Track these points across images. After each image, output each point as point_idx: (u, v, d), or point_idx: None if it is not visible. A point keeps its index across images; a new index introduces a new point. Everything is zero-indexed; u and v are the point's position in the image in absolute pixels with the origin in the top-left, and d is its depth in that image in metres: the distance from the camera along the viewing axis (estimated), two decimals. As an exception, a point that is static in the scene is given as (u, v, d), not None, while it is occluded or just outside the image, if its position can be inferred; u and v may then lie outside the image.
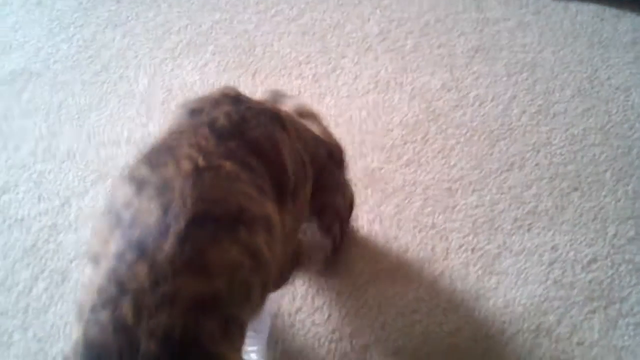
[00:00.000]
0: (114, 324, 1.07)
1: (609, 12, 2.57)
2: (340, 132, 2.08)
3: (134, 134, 2.28)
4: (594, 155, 2.14)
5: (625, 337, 1.77)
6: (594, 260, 1.91)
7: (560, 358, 1.74)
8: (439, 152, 2.17)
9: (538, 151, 2.16)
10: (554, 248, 1.94)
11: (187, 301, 1.09)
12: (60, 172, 2.19)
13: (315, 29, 2.59)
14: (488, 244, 1.95)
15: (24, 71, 2.52)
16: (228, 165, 1.26)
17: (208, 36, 2.60)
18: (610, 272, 1.89)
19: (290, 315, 1.84)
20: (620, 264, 1.90)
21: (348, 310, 1.84)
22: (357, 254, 1.95)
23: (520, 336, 1.78)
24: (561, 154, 2.15)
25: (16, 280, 1.95)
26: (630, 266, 1.89)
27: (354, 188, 1.89)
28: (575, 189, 2.06)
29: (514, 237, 1.97)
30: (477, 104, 2.30)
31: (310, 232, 1.87)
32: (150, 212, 1.15)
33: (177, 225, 1.13)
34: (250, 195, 1.25)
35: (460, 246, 1.95)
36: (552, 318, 1.81)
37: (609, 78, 2.36)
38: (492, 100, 2.30)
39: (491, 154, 2.16)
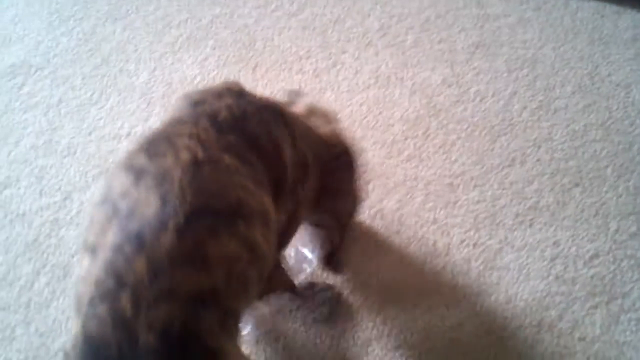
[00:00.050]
0: (113, 317, 1.06)
1: (610, 8, 2.57)
2: (341, 128, 2.10)
3: (135, 128, 2.28)
4: (595, 151, 2.15)
5: (627, 333, 1.78)
6: (595, 255, 1.92)
7: (562, 353, 1.74)
8: (440, 147, 2.17)
9: (539, 147, 2.16)
10: (556, 243, 1.94)
11: (185, 294, 1.09)
12: (61, 167, 2.18)
13: (316, 23, 2.59)
14: (490, 239, 1.96)
15: (24, 65, 2.52)
16: (227, 158, 1.26)
17: (208, 30, 2.59)
18: (612, 268, 1.89)
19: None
20: (622, 260, 1.90)
21: (350, 306, 1.84)
22: (358, 250, 1.95)
23: (522, 331, 1.78)
24: (562, 150, 2.15)
25: (18, 275, 1.95)
26: (632, 262, 1.90)
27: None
28: (577, 185, 2.06)
29: (515, 232, 1.97)
30: (478, 99, 2.30)
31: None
32: (148, 203, 1.14)
33: (176, 218, 1.12)
34: (248, 188, 1.25)
35: (462, 241, 1.96)
36: (554, 313, 1.81)
37: (609, 74, 2.36)
38: (492, 96, 2.30)
39: (492, 150, 2.16)
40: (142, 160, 1.23)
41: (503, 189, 2.06)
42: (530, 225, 1.98)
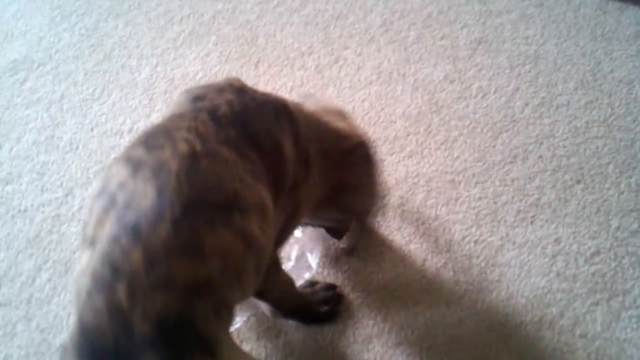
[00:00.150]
0: (109, 308, 1.07)
1: (612, 4, 2.57)
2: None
3: (137, 124, 2.28)
4: (597, 147, 2.14)
5: (628, 330, 1.77)
6: (597, 252, 1.91)
7: (563, 350, 1.74)
8: (442, 143, 2.17)
9: (541, 143, 2.16)
10: (557, 240, 1.94)
11: (181, 284, 1.10)
12: (63, 163, 2.19)
13: (318, 19, 2.58)
14: (491, 236, 1.96)
15: (26, 60, 2.52)
16: (225, 151, 1.26)
17: (210, 26, 2.59)
18: (613, 265, 1.89)
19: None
20: (623, 257, 1.90)
21: (350, 302, 1.84)
22: (359, 247, 1.95)
23: (523, 328, 1.78)
24: (564, 147, 2.15)
25: (19, 271, 1.95)
26: (634, 259, 1.90)
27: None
28: (579, 182, 2.06)
29: (517, 229, 1.97)
30: (480, 95, 2.30)
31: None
32: (145, 194, 1.15)
33: (173, 210, 1.13)
34: (245, 181, 1.25)
35: (463, 238, 1.96)
36: (554, 310, 1.81)
37: (612, 71, 2.36)
38: (495, 92, 2.30)
39: (494, 146, 2.16)
40: (140, 153, 1.24)
41: (505, 186, 2.06)
42: (532, 222, 1.98)
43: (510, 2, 2.60)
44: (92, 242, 1.16)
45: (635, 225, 1.96)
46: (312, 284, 1.85)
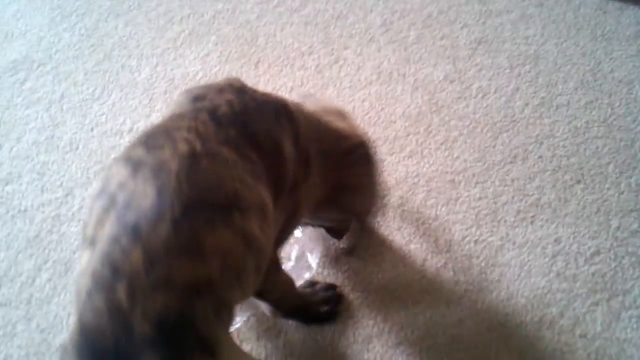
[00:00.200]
0: (109, 308, 1.07)
1: (612, 4, 2.56)
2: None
3: (137, 124, 2.28)
4: (597, 147, 2.14)
5: (628, 330, 1.77)
6: (597, 252, 1.91)
7: (563, 350, 1.74)
8: (442, 143, 2.17)
9: (541, 143, 2.16)
10: (557, 240, 1.94)
11: (181, 284, 1.10)
12: (63, 163, 2.19)
13: (318, 19, 2.58)
14: (491, 236, 1.96)
15: (26, 60, 2.52)
16: (225, 151, 1.26)
17: (210, 26, 2.59)
18: (613, 265, 1.89)
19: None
20: (623, 257, 1.90)
21: (350, 302, 1.84)
22: (359, 247, 1.95)
23: (523, 328, 1.78)
24: (564, 147, 2.15)
25: (19, 271, 1.95)
26: (634, 259, 1.90)
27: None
28: (579, 182, 2.06)
29: (517, 229, 1.97)
30: (480, 95, 2.30)
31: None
32: (145, 194, 1.15)
33: (173, 210, 1.13)
34: (245, 181, 1.25)
35: (463, 238, 1.96)
36: (554, 310, 1.81)
37: (612, 71, 2.36)
38: (495, 92, 2.30)
39: (494, 146, 2.16)
40: (140, 152, 1.24)
41: (505, 186, 2.06)
42: (532, 222, 1.98)
43: (510, 2, 2.60)
44: (92, 242, 1.16)
45: (635, 225, 1.96)
46: (312, 284, 1.85)
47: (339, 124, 1.66)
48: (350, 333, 1.79)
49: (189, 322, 1.09)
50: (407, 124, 2.22)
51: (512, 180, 2.07)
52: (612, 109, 2.24)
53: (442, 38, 2.50)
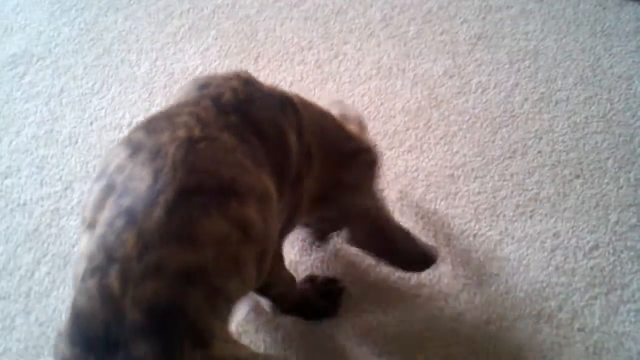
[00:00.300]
0: (101, 293, 1.07)
1: (612, 0, 2.56)
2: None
3: (136, 118, 2.28)
4: (596, 142, 2.15)
5: (626, 323, 1.78)
6: (595, 247, 1.91)
7: (561, 344, 1.75)
8: (441, 138, 2.17)
9: (540, 138, 2.16)
10: (556, 235, 1.94)
11: (173, 271, 1.09)
12: (62, 157, 2.19)
13: (318, 14, 2.58)
14: (490, 230, 1.96)
15: (26, 54, 2.52)
16: (225, 136, 1.26)
17: (210, 21, 2.59)
18: (611, 259, 1.89)
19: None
20: (621, 251, 1.90)
21: (350, 296, 1.84)
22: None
23: (522, 322, 1.78)
24: (563, 142, 2.15)
25: (18, 264, 1.95)
26: (632, 253, 1.90)
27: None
28: (578, 176, 2.06)
29: (516, 223, 1.97)
30: (479, 91, 2.30)
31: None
32: (141, 177, 1.15)
33: (167, 195, 1.13)
34: (245, 166, 1.25)
35: (462, 232, 1.96)
36: (553, 304, 1.81)
37: (611, 66, 2.36)
38: (494, 88, 2.30)
39: (493, 141, 2.16)
40: (140, 135, 1.25)
41: (504, 181, 2.06)
42: (531, 217, 1.98)
43: (510, -3, 2.60)
44: (91, 225, 1.17)
45: (634, 220, 1.96)
46: (311, 278, 1.84)
47: (351, 127, 1.67)
48: (349, 326, 1.79)
49: (181, 311, 1.09)
50: (406, 118, 2.22)
51: (511, 175, 2.07)
52: (611, 104, 2.24)
53: (441, 33, 2.50)
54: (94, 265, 1.10)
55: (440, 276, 1.87)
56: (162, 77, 2.41)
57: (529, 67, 2.36)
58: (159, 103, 2.31)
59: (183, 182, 1.15)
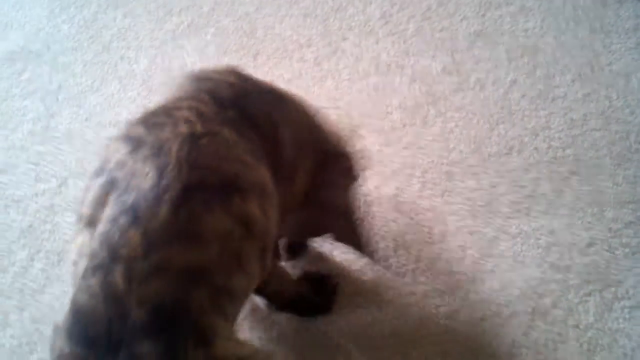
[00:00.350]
0: (105, 291, 1.06)
1: (611, -3, 2.56)
2: (340, 115, 2.10)
3: (134, 115, 2.27)
4: (594, 139, 2.13)
5: (620, 320, 1.77)
6: (591, 244, 1.90)
7: (556, 340, 1.74)
8: (438, 135, 2.17)
9: (537, 135, 2.15)
10: (552, 232, 1.93)
11: (178, 270, 1.09)
12: (58, 154, 2.19)
13: (317, 11, 2.58)
14: (486, 227, 1.95)
15: (24, 51, 2.52)
16: (226, 132, 1.25)
17: (209, 18, 2.59)
18: (607, 256, 1.88)
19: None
20: (617, 248, 1.89)
21: (344, 292, 1.83)
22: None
23: (516, 318, 1.78)
24: (560, 138, 2.14)
25: (12, 260, 1.96)
26: (627, 250, 1.89)
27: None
28: (574, 173, 2.05)
29: (511, 220, 1.96)
30: (477, 87, 2.29)
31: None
32: (145, 175, 1.14)
33: (172, 192, 1.12)
34: (246, 161, 1.24)
35: (458, 229, 1.95)
36: (548, 301, 1.81)
37: (610, 63, 2.35)
38: (492, 84, 2.30)
39: (490, 138, 2.15)
40: (140, 131, 1.23)
41: (500, 177, 2.05)
42: (527, 214, 1.97)
43: (509, -6, 2.60)
44: (90, 222, 1.16)
45: (630, 217, 1.95)
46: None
47: (338, 130, 1.66)
48: (344, 323, 1.78)
49: (185, 309, 1.09)
50: (404, 115, 2.22)
51: (508, 172, 2.06)
52: (609, 101, 2.23)
53: (441, 30, 2.49)
54: (96, 262, 1.09)
55: (435, 273, 1.86)
56: (161, 74, 2.41)
57: (527, 63, 2.36)
58: (158, 100, 2.29)
59: (187, 179, 1.14)
